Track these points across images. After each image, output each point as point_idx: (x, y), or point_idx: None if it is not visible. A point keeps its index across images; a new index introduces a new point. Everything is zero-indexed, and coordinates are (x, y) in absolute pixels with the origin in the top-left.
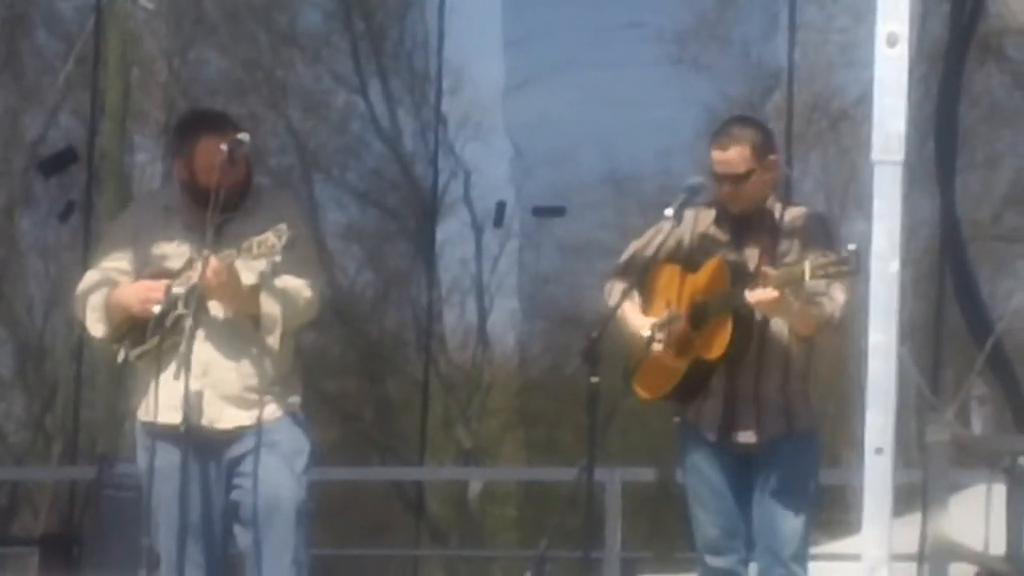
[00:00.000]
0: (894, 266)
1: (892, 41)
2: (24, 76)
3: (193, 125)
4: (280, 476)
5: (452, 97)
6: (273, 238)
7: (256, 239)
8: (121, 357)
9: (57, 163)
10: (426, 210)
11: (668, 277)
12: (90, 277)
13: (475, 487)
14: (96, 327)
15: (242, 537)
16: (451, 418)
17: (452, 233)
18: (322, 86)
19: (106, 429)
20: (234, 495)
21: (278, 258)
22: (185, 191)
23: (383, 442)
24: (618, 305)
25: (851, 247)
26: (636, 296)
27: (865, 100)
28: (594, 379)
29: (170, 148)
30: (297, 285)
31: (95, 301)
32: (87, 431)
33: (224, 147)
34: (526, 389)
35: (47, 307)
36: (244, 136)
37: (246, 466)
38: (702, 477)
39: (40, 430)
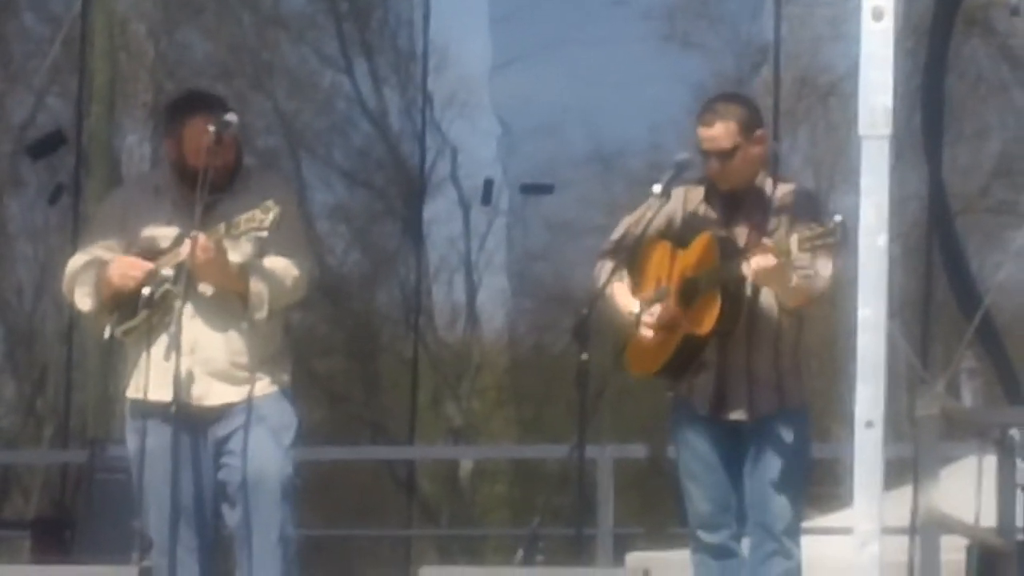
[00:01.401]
0: (882, 240)
1: (878, 15)
2: (11, 59)
3: (184, 106)
4: (266, 450)
5: (438, 75)
6: (260, 214)
7: (244, 215)
8: (107, 333)
9: (45, 146)
10: (413, 189)
11: (659, 255)
12: (79, 256)
13: (466, 465)
14: (84, 301)
15: (230, 516)
16: (441, 396)
17: (439, 212)
18: (308, 66)
19: (97, 412)
20: (221, 474)
21: (265, 234)
22: (175, 171)
23: (373, 421)
24: (607, 284)
25: (837, 218)
26: (626, 276)
27: (853, 75)
28: (584, 356)
29: (161, 128)
30: (285, 265)
31: (85, 276)
32: (78, 414)
33: (211, 127)
34: (516, 367)
35: (36, 291)
36: (231, 116)
37: (233, 444)
38: (694, 452)
39: (31, 413)
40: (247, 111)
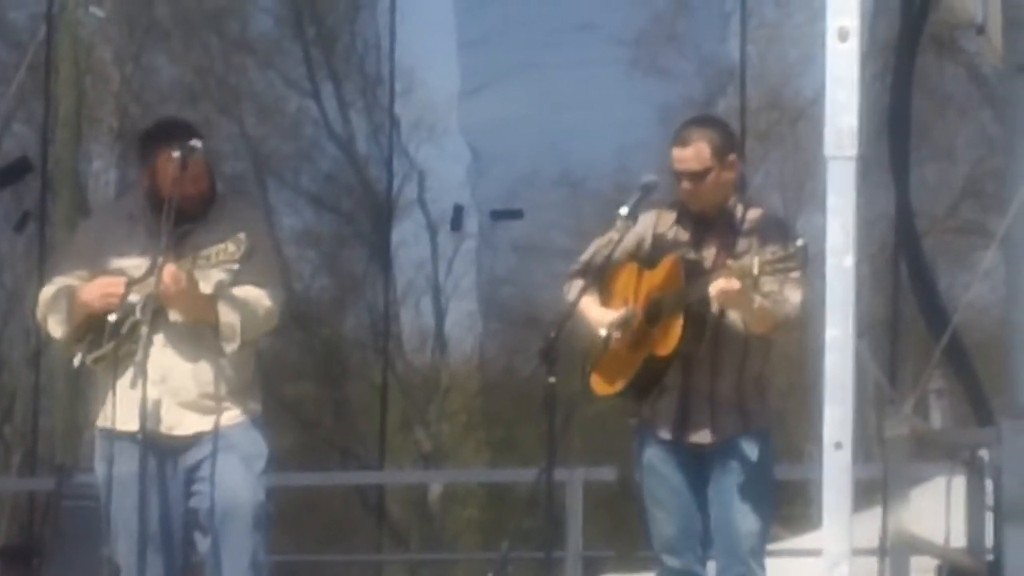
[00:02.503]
0: (849, 261)
1: (843, 36)
2: None
3: (155, 135)
4: (237, 478)
5: (405, 99)
6: (231, 247)
7: (214, 248)
8: (77, 361)
9: (11, 173)
10: (381, 213)
11: (626, 276)
12: (52, 285)
13: (436, 489)
14: (56, 328)
15: (202, 543)
16: (410, 421)
17: (407, 236)
18: (274, 91)
19: (65, 439)
20: (192, 502)
21: (235, 266)
22: (148, 200)
23: (342, 446)
24: (576, 302)
25: (799, 243)
26: (595, 294)
27: (821, 96)
28: (551, 379)
29: (133, 157)
30: (257, 295)
31: (58, 303)
32: (46, 441)
33: (176, 154)
34: (485, 390)
35: (3, 317)
36: (196, 142)
37: (203, 471)
38: (659, 477)
39: None
40: (214, 136)
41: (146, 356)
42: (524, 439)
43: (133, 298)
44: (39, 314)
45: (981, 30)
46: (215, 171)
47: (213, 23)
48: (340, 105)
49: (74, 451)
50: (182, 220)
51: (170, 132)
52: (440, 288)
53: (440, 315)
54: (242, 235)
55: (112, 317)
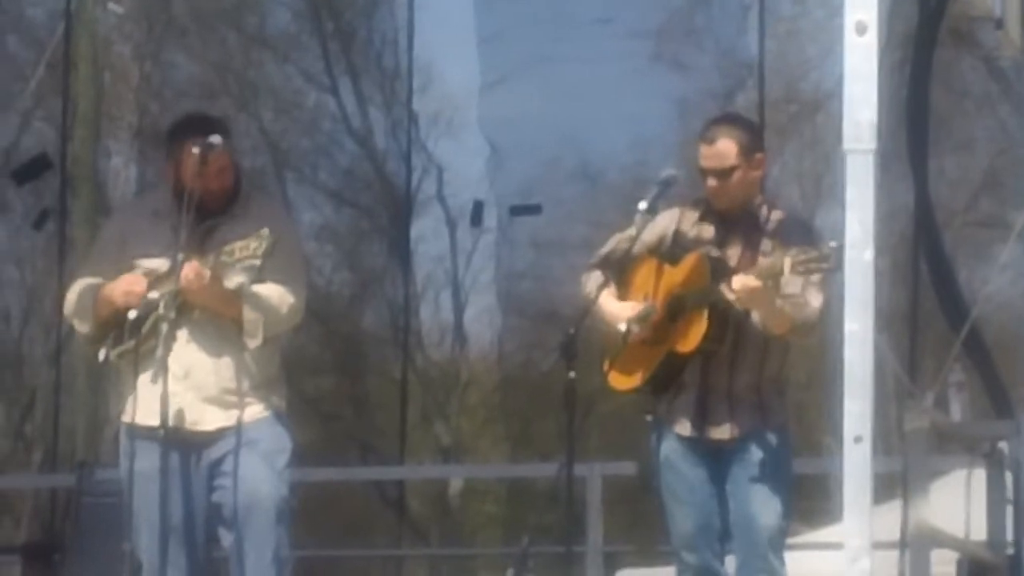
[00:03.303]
0: (868, 254)
1: (861, 29)
2: None
3: (180, 130)
4: (260, 473)
5: (423, 94)
6: (254, 243)
7: (237, 244)
8: (102, 356)
9: (31, 170)
10: (400, 208)
11: (646, 271)
12: (79, 283)
13: (456, 484)
14: (83, 325)
15: (225, 538)
16: (429, 415)
17: (426, 230)
18: (293, 86)
19: (86, 435)
20: (215, 496)
21: (258, 262)
22: (174, 196)
23: (362, 441)
24: (596, 297)
25: (832, 244)
26: (612, 288)
27: (839, 90)
28: (572, 374)
29: (157, 151)
30: (281, 292)
31: (83, 301)
32: (67, 438)
33: (196, 149)
34: (504, 384)
35: (24, 315)
36: (215, 137)
37: (227, 466)
38: (677, 472)
39: (20, 438)
40: (232, 132)
41: (168, 352)
42: (543, 434)
43: (155, 294)
44: (66, 312)
45: (999, 23)
46: (240, 167)
47: (230, 18)
48: (358, 100)
49: (95, 448)
50: (205, 215)
51: (193, 126)
52: (459, 283)
53: (459, 310)
54: (265, 230)
55: (132, 314)
